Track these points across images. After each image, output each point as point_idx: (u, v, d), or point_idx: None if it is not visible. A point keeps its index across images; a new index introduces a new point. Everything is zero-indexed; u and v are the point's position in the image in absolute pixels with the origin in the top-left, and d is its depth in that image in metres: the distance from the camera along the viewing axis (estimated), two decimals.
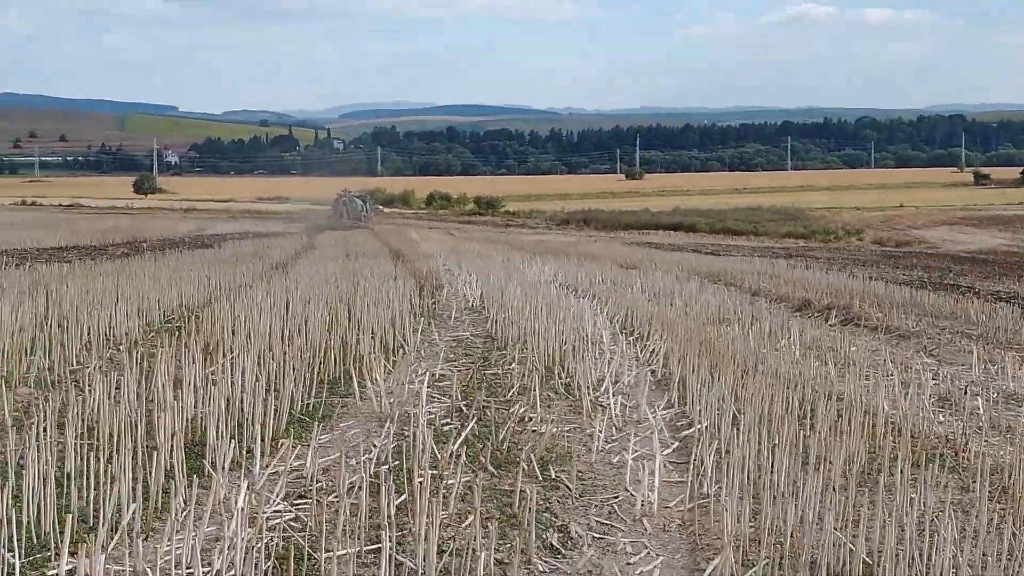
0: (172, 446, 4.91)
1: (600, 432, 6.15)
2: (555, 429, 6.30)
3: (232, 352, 7.86)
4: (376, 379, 7.15)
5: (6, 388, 6.56)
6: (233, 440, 5.18)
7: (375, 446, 5.72)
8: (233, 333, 9.10)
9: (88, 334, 8.89)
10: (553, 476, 5.33)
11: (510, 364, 8.64)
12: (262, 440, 5.22)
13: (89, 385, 6.17)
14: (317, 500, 4.56)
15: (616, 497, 5.03)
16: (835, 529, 4.17)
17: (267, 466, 5.09)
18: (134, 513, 3.96)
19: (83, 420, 5.56)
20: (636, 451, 5.80)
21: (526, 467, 5.29)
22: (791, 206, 78.57)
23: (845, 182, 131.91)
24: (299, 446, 5.54)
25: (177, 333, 9.39)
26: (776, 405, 6.44)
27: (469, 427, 6.16)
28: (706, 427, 6.18)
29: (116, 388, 6.21)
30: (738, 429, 5.61)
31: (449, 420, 6.53)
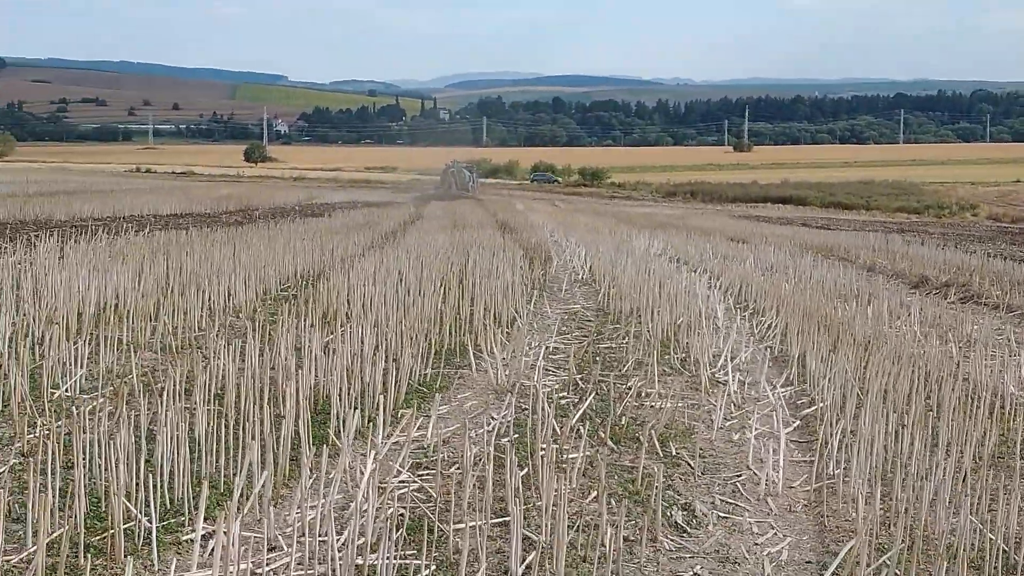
0: (297, 415, 4.97)
1: (720, 409, 6.08)
2: (673, 405, 6.25)
3: (348, 321, 7.94)
4: (492, 351, 7.15)
5: (133, 353, 6.71)
6: (356, 410, 5.22)
7: (494, 418, 5.73)
8: (348, 303, 9.18)
9: (209, 301, 9.04)
10: (674, 453, 5.29)
11: (623, 338, 8.60)
12: (383, 410, 5.25)
13: (214, 352, 6.27)
14: (441, 472, 4.57)
15: (739, 476, 4.97)
16: (971, 515, 4.07)
17: (389, 436, 5.12)
18: (265, 481, 4.01)
19: (209, 387, 5.66)
20: (757, 429, 5.73)
21: (647, 443, 5.26)
22: (904, 180, 76.95)
23: (960, 156, 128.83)
24: (420, 417, 5.57)
25: (294, 301, 9.51)
26: (900, 384, 6.31)
27: (587, 402, 6.14)
28: (828, 406, 6.08)
29: (240, 355, 6.30)
30: (861, 409, 5.50)
31: (566, 393, 6.52)
